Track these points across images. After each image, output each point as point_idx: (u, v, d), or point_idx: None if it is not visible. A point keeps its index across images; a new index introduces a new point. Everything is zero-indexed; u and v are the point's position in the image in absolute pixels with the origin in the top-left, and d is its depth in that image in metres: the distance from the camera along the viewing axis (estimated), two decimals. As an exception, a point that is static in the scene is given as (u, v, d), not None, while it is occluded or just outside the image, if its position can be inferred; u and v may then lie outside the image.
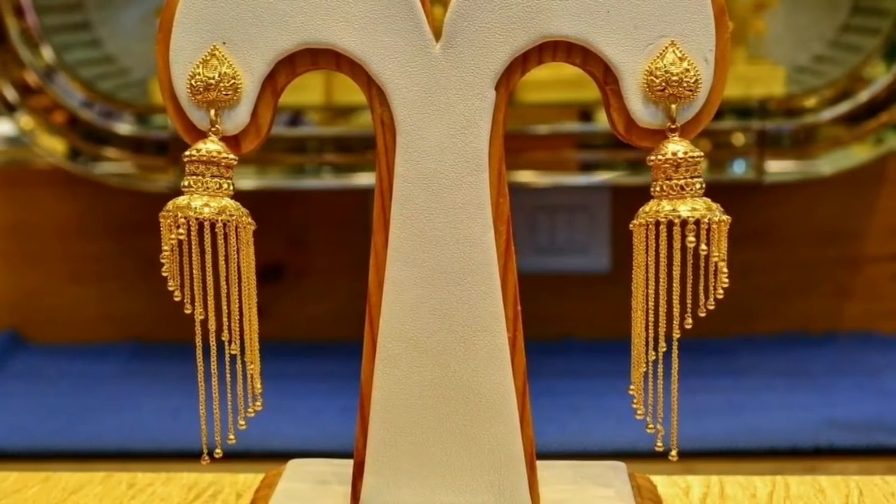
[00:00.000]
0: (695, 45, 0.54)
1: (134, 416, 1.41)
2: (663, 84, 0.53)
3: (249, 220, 0.55)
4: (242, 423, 0.57)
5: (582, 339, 1.66)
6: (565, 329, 1.67)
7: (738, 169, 1.49)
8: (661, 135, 0.54)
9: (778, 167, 1.48)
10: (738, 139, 1.48)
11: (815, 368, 1.58)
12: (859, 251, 1.72)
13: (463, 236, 0.54)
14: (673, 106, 0.54)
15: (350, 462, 0.58)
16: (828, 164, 1.49)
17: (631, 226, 0.55)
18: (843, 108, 1.48)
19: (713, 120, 0.55)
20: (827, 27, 1.65)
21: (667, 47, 0.54)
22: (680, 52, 0.53)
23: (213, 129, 0.54)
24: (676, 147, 0.54)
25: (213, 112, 0.54)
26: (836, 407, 1.43)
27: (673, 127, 0.54)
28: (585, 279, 1.69)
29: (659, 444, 0.57)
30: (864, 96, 1.48)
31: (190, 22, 0.54)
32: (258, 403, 0.57)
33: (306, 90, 1.48)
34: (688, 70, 0.53)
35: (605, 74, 0.54)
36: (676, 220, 0.54)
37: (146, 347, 1.66)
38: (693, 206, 0.54)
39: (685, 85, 0.53)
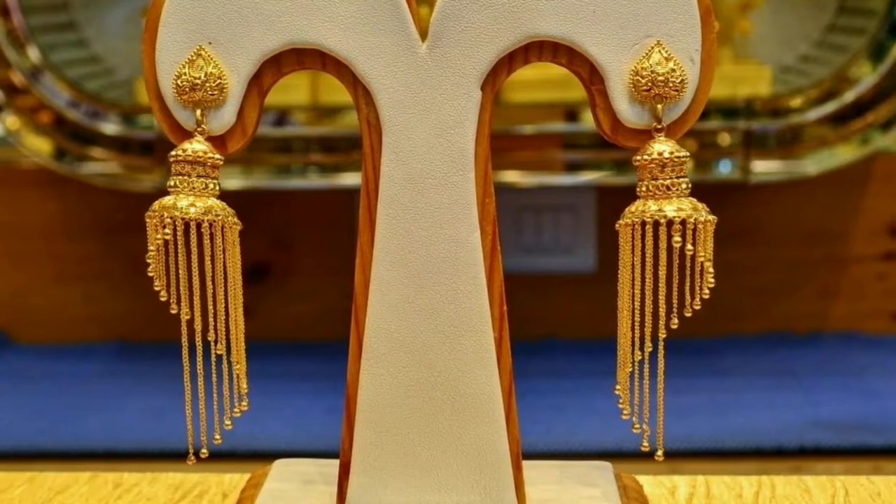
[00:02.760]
0: (681, 46, 0.54)
1: (119, 416, 1.41)
2: (649, 84, 0.53)
3: (235, 220, 0.55)
4: (228, 423, 0.57)
5: (567, 339, 1.66)
6: (551, 329, 1.67)
7: (724, 169, 1.49)
8: (647, 135, 0.54)
9: (764, 167, 1.49)
10: (724, 139, 1.48)
11: (801, 368, 1.58)
12: (845, 251, 1.72)
13: (449, 236, 0.54)
14: (659, 106, 0.54)
15: (336, 462, 0.58)
16: (813, 164, 1.50)
17: (617, 226, 0.55)
18: (829, 108, 1.49)
19: (699, 120, 0.55)
20: (813, 27, 1.66)
21: (653, 47, 0.54)
22: (666, 52, 0.54)
23: (199, 129, 0.54)
24: (662, 147, 0.54)
25: (199, 112, 0.54)
26: (821, 407, 1.43)
27: (659, 127, 0.54)
28: (571, 279, 1.70)
29: (645, 444, 0.57)
30: (849, 96, 1.48)
31: (176, 22, 0.54)
32: (244, 403, 0.57)
33: (292, 90, 1.48)
34: (674, 70, 0.53)
35: (591, 74, 0.54)
36: (662, 220, 0.54)
37: (131, 347, 1.66)
38: (679, 206, 0.54)
39: (671, 85, 0.54)
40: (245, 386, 0.57)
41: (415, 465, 0.55)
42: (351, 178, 1.47)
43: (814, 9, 1.66)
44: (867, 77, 1.50)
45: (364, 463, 0.56)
